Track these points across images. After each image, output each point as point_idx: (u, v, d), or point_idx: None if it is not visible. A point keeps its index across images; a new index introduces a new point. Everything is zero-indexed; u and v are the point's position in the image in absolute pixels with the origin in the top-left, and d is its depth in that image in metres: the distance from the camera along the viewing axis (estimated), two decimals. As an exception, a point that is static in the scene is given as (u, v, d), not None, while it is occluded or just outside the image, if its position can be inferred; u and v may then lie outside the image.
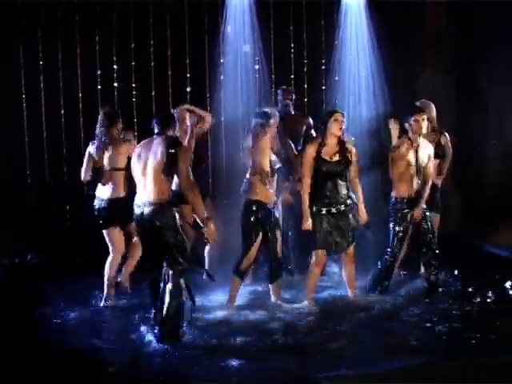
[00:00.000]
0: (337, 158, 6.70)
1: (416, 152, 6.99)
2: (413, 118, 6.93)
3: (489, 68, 9.86)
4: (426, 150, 7.08)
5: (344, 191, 6.73)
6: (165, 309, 5.96)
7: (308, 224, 6.70)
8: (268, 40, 9.31)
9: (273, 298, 6.96)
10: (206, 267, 7.32)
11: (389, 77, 9.15)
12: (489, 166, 10.07)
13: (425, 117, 6.99)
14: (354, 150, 6.82)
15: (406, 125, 6.99)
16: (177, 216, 6.01)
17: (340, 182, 6.71)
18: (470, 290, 7.25)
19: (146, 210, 5.99)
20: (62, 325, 6.51)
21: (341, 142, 6.72)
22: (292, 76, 9.69)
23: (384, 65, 9.15)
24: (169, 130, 6.21)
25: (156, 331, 6.01)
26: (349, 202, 6.78)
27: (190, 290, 6.06)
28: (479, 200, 9.70)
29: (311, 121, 8.17)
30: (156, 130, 6.19)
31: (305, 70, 9.74)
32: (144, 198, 6.03)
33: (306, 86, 9.72)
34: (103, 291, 7.07)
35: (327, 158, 6.68)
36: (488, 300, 6.94)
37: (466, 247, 8.79)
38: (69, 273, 7.93)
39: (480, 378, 5.16)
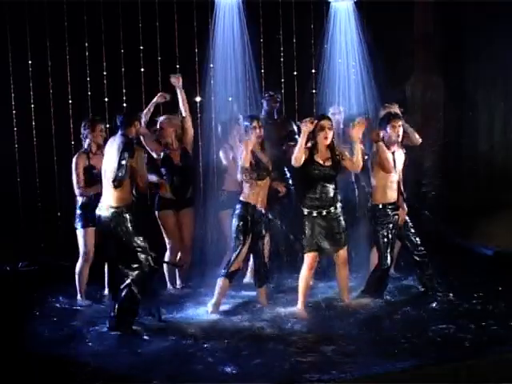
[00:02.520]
0: (329, 163, 6.69)
1: (393, 157, 7.02)
2: (389, 125, 6.95)
3: (476, 68, 9.93)
4: (401, 155, 7.13)
5: (332, 195, 6.72)
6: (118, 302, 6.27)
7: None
8: (258, 44, 9.28)
9: (261, 302, 6.93)
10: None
11: (379, 79, 9.09)
12: (478, 166, 10.10)
13: (400, 123, 7.01)
14: (345, 153, 6.78)
15: (383, 132, 6.99)
16: (129, 220, 6.26)
17: (329, 186, 6.71)
18: (461, 290, 7.27)
19: (103, 214, 6.32)
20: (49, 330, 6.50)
21: (331, 148, 6.70)
22: (282, 79, 9.70)
23: (374, 67, 9.11)
24: (130, 129, 6.36)
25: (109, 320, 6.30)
26: (338, 205, 6.77)
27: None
28: (467, 199, 9.72)
29: (294, 126, 8.22)
30: (119, 130, 6.38)
31: (295, 73, 9.75)
32: (103, 201, 6.36)
33: (296, 89, 9.74)
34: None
35: (321, 161, 6.67)
36: (479, 300, 6.94)
37: (456, 247, 8.80)
38: (59, 279, 7.90)
39: (472, 378, 5.18)
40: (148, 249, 6.32)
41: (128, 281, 6.24)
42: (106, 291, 7.31)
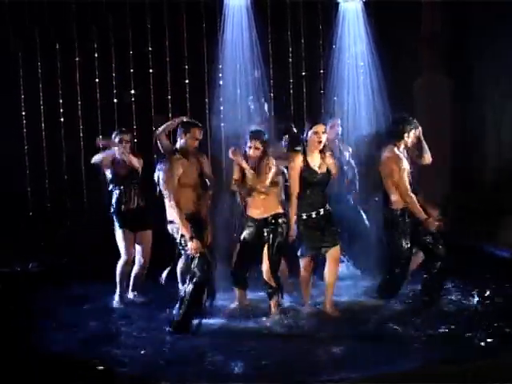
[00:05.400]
0: (324, 169, 6.64)
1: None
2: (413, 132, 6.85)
3: (484, 67, 9.89)
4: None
5: (321, 199, 6.65)
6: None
7: (292, 233, 6.64)
8: (266, 45, 9.30)
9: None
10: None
11: (387, 79, 9.09)
12: (486, 166, 10.08)
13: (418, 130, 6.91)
14: (331, 162, 6.70)
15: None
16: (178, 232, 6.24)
17: (320, 191, 6.65)
18: (470, 291, 7.21)
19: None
20: (72, 329, 6.50)
21: (323, 153, 6.64)
22: (290, 80, 9.70)
23: (382, 67, 9.10)
24: (182, 141, 6.35)
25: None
26: (327, 207, 6.68)
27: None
28: (476, 200, 9.64)
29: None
30: None
31: (303, 73, 9.75)
32: None
33: (304, 89, 9.73)
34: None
35: (316, 168, 6.62)
36: (488, 301, 6.89)
37: (464, 248, 8.63)
38: (69, 280, 7.94)
39: (480, 379, 5.09)
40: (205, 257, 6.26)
41: (189, 288, 6.25)
42: (130, 295, 7.35)
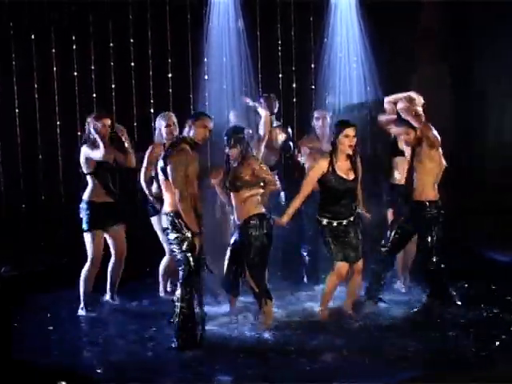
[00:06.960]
0: (352, 176, 6.48)
1: None
2: None
3: (484, 67, 9.82)
4: None
5: (352, 206, 6.53)
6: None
7: (284, 221, 6.46)
8: (255, 38, 9.07)
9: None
10: None
11: (380, 74, 8.85)
12: (486, 166, 10.02)
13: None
14: (359, 164, 6.57)
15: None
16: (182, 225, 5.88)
17: (351, 197, 6.52)
18: (472, 298, 7.02)
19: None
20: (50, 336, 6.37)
21: (352, 158, 6.48)
22: (280, 75, 9.49)
23: (375, 62, 8.88)
24: (196, 131, 6.02)
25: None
26: (356, 213, 6.58)
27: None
28: (476, 200, 9.54)
29: (290, 131, 8.05)
30: None
31: (293, 68, 9.53)
32: None
33: (294, 85, 9.52)
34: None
35: (344, 175, 6.45)
36: (489, 310, 6.71)
37: (465, 252, 8.55)
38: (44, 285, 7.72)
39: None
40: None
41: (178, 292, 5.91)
42: (108, 297, 7.15)
